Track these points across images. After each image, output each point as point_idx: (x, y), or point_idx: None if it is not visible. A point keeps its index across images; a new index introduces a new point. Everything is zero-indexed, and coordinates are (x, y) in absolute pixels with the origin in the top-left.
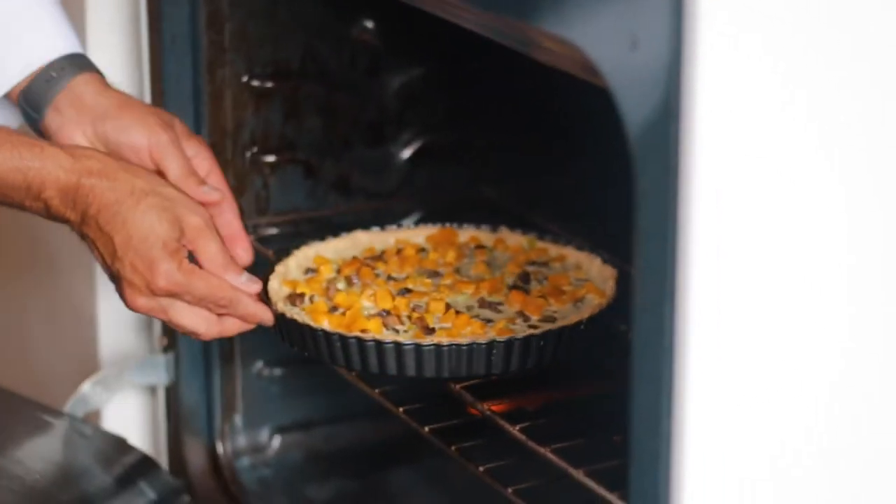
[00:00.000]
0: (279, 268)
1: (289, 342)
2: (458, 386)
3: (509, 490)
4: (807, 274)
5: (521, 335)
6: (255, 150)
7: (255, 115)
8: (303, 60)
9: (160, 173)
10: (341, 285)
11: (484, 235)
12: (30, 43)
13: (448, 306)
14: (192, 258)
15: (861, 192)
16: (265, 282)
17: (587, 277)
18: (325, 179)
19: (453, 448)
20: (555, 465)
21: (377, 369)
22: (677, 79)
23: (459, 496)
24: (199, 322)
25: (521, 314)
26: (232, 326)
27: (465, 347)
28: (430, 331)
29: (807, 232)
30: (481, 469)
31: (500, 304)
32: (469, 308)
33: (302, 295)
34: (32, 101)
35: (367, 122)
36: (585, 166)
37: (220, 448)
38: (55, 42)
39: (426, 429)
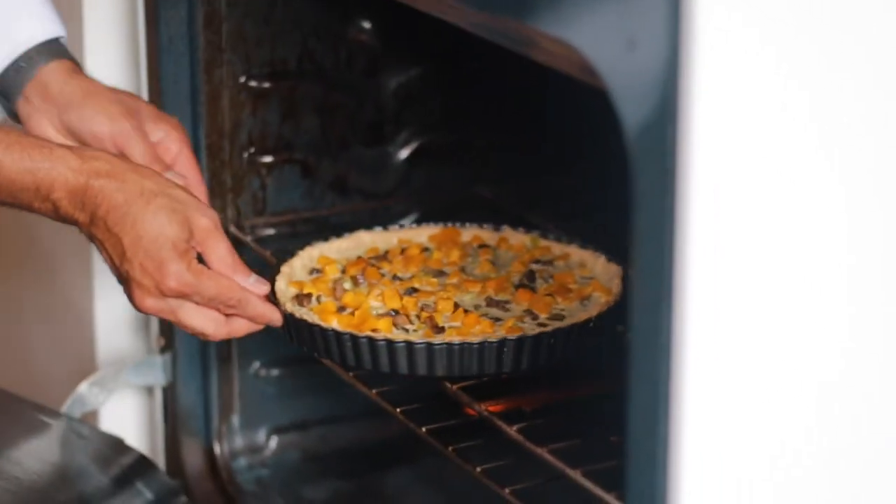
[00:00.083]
0: (284, 268)
1: (298, 342)
2: (455, 386)
3: (506, 490)
4: (805, 274)
5: (532, 333)
6: (252, 150)
7: (252, 115)
8: (300, 60)
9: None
10: (347, 285)
11: (487, 234)
12: (6, 32)
13: (456, 305)
14: (200, 260)
15: (859, 190)
16: (271, 283)
17: (592, 275)
18: (322, 180)
19: (450, 448)
20: (552, 466)
21: (388, 369)
22: (675, 80)
23: (456, 497)
24: (207, 323)
25: (529, 312)
26: (240, 327)
27: (476, 346)
28: (440, 330)
29: (805, 232)
30: (478, 469)
31: (507, 302)
32: (477, 307)
33: (309, 295)
34: (5, 90)
35: (365, 122)
36: (583, 167)
37: (217, 448)
38: (33, 31)
39: (423, 429)
